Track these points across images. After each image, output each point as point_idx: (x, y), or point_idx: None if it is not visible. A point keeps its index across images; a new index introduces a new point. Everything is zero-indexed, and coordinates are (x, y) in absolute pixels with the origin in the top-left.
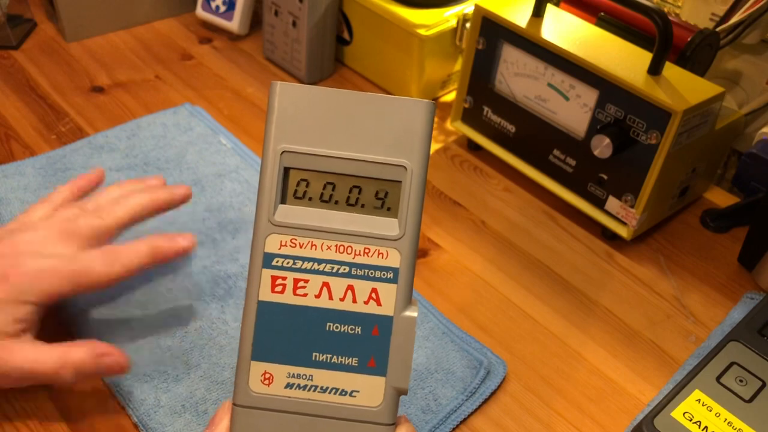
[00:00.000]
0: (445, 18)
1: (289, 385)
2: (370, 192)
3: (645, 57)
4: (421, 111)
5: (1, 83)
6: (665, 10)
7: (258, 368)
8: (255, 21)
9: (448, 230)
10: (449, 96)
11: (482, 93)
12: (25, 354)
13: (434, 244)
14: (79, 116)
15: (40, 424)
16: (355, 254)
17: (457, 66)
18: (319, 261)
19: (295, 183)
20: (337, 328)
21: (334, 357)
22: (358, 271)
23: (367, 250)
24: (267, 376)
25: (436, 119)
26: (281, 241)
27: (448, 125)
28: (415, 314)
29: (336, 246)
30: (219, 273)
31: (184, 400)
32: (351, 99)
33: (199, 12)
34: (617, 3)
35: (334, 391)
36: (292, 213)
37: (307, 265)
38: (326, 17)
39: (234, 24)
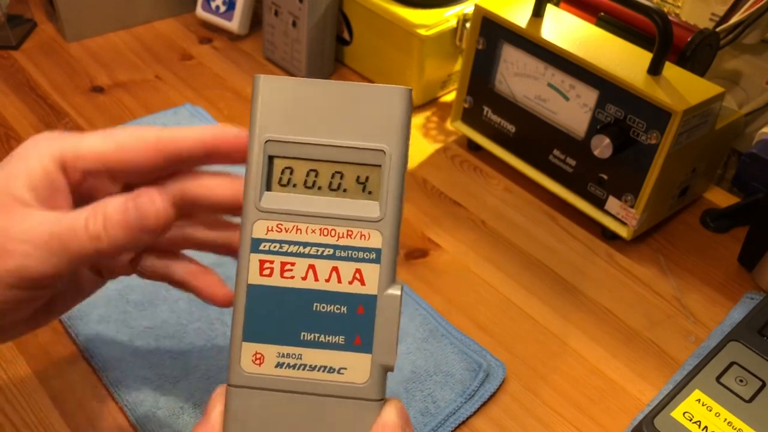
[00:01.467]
0: (445, 18)
1: (279, 365)
2: (351, 177)
3: (645, 57)
4: (397, 97)
5: (1, 83)
6: (665, 10)
7: (249, 349)
8: (255, 21)
9: (448, 230)
10: (449, 96)
11: (482, 93)
12: (39, 217)
13: (434, 244)
14: (79, 116)
15: (40, 424)
16: (338, 236)
17: (457, 66)
18: (305, 244)
19: (280, 171)
20: (323, 308)
21: (321, 336)
22: (342, 252)
23: (350, 233)
24: (258, 356)
25: (436, 119)
26: (268, 227)
27: (448, 125)
28: (398, 292)
29: (320, 229)
30: (219, 274)
31: (182, 402)
32: (331, 88)
33: (199, 12)
34: (617, 3)
35: (322, 368)
36: (277, 199)
37: (293, 248)
38: (326, 17)
39: (234, 24)
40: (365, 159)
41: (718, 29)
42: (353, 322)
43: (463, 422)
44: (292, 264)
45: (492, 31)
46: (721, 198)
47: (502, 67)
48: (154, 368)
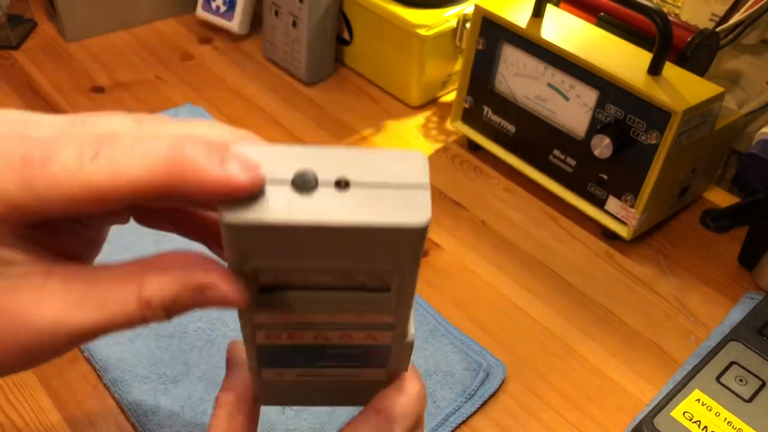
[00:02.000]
0: (445, 18)
1: (300, 375)
2: (356, 279)
3: (645, 57)
4: (412, 235)
5: (1, 83)
6: (665, 10)
7: (267, 372)
8: (255, 21)
9: (448, 230)
10: (449, 96)
11: (482, 93)
12: (50, 301)
13: (434, 244)
14: None
15: (40, 424)
16: (347, 319)
17: (457, 66)
18: (311, 325)
19: (269, 277)
20: (336, 352)
21: (337, 365)
22: (352, 327)
23: (359, 316)
24: (278, 374)
25: (436, 119)
26: (269, 318)
27: (448, 125)
28: (412, 339)
29: (327, 316)
30: None
31: (183, 401)
32: (323, 231)
33: (200, 12)
34: (617, 3)
35: (340, 375)
36: (274, 303)
37: (300, 327)
38: (326, 17)
39: (234, 24)
40: (372, 272)
41: (717, 29)
42: (367, 357)
43: (464, 422)
44: (300, 334)
45: (492, 31)
46: (721, 198)
47: (502, 67)
48: (154, 368)
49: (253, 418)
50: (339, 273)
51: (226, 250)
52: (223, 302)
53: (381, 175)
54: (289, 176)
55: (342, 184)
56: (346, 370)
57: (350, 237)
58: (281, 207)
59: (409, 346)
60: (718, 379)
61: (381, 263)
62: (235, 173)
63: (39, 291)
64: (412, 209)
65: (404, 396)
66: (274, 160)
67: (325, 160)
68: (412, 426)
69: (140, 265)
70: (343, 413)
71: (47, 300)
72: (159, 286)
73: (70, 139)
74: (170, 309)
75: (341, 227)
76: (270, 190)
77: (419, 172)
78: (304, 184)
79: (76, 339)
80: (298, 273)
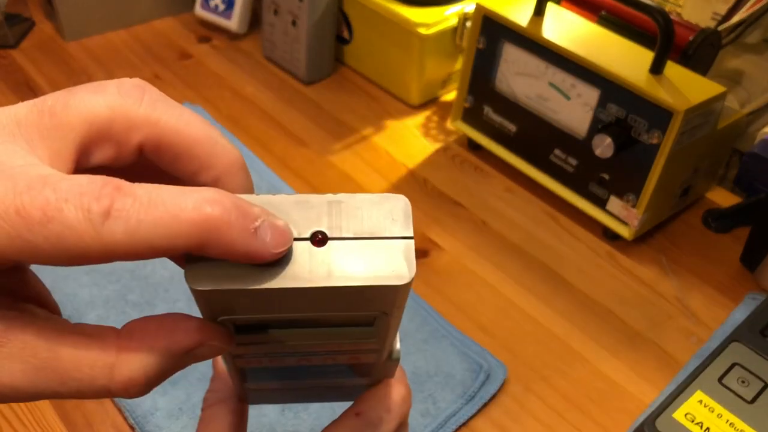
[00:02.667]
0: (445, 17)
1: (284, 386)
2: (338, 322)
3: (646, 56)
4: (395, 291)
5: None
6: (667, 9)
7: (252, 384)
8: (254, 20)
9: (449, 230)
10: (450, 95)
11: (483, 92)
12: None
13: (434, 244)
14: None
15: (38, 425)
16: (329, 348)
17: (458, 65)
18: (292, 353)
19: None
20: (321, 370)
21: (321, 376)
22: (335, 353)
23: (341, 345)
24: (262, 386)
25: (436, 119)
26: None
27: (449, 125)
28: (398, 355)
29: (309, 346)
30: None
31: (181, 403)
32: (299, 292)
33: (198, 11)
34: (619, 2)
35: (327, 384)
36: (251, 341)
37: (280, 355)
38: (326, 16)
39: (233, 23)
40: (355, 319)
41: (719, 28)
42: (351, 371)
43: (464, 423)
44: (282, 359)
45: (493, 30)
46: (723, 198)
47: (502, 66)
48: None
49: (240, 417)
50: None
51: (198, 306)
52: (208, 357)
53: (360, 226)
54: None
55: (318, 238)
56: (330, 380)
57: (329, 295)
58: (251, 269)
59: (395, 362)
60: (720, 380)
61: (363, 312)
62: (266, 247)
63: None
64: (395, 264)
65: (386, 399)
66: None
67: (300, 210)
68: (395, 429)
69: (116, 334)
70: None
71: (4, 364)
72: (140, 364)
73: (69, 189)
74: (152, 384)
75: (319, 288)
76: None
77: (401, 219)
78: None
79: (40, 399)
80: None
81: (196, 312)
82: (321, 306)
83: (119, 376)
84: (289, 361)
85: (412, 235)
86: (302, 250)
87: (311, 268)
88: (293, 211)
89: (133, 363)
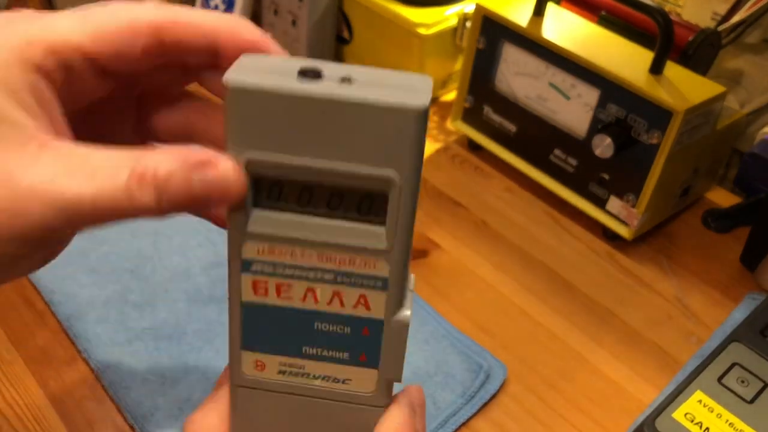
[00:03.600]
0: (445, 17)
1: (281, 372)
2: (352, 201)
3: (646, 56)
4: (410, 120)
5: None
6: (666, 9)
7: (249, 356)
8: (254, 20)
9: (449, 230)
10: (449, 95)
11: (483, 92)
12: (52, 166)
13: (434, 244)
14: None
15: (38, 425)
16: (339, 263)
17: (458, 65)
18: (301, 268)
19: (267, 187)
20: (325, 327)
21: (324, 351)
22: (344, 278)
23: (352, 260)
24: (259, 363)
25: (436, 119)
26: (258, 249)
27: (448, 125)
28: (407, 316)
29: (318, 255)
30: (217, 275)
31: (181, 403)
32: (326, 106)
33: None
34: (618, 2)
35: (326, 378)
36: (267, 221)
37: (289, 271)
38: (326, 16)
39: None
40: (369, 185)
41: (719, 28)
42: (358, 342)
43: (464, 423)
44: (289, 285)
45: (493, 30)
46: (723, 198)
47: (502, 66)
48: (153, 369)
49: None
50: (334, 188)
51: (225, 132)
52: (221, 184)
53: (384, 79)
54: (296, 70)
55: (346, 80)
56: (334, 365)
57: (349, 119)
58: (286, 83)
59: (404, 330)
60: (719, 380)
61: (378, 167)
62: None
63: (30, 157)
64: (412, 97)
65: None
66: (281, 61)
67: (331, 66)
68: None
69: (141, 147)
70: None
71: (35, 165)
72: (154, 160)
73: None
74: (162, 189)
75: (341, 102)
76: (276, 78)
77: (422, 81)
78: (310, 73)
79: (62, 215)
80: (292, 185)
81: (196, 313)
82: (338, 147)
83: (139, 169)
84: (297, 292)
85: (431, 87)
86: (331, 83)
87: (337, 91)
88: (325, 64)
89: (149, 159)
